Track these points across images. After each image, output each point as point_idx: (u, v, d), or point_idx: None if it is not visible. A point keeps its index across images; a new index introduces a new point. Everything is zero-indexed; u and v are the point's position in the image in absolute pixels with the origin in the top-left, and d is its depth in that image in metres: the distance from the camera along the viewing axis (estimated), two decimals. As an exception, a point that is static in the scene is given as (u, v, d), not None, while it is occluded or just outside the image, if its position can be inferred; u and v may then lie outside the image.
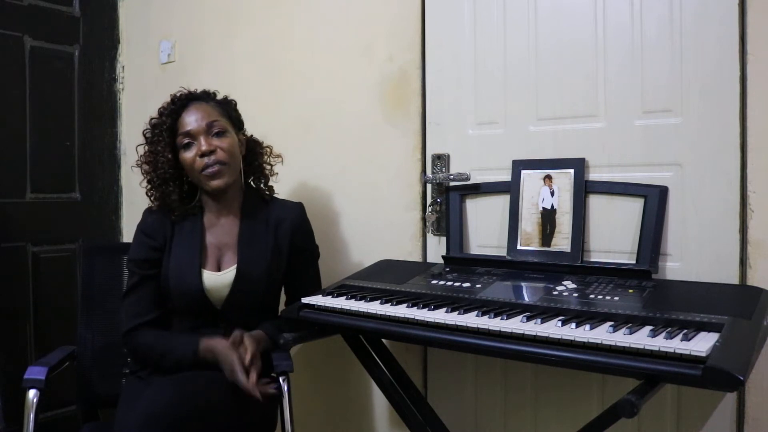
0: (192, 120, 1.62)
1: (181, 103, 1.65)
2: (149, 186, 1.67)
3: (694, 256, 1.50)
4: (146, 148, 1.68)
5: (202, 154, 1.60)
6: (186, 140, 1.62)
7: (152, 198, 1.68)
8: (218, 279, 1.63)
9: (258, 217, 1.71)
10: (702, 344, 1.06)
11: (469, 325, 1.28)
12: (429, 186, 1.89)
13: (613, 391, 1.58)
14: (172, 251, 1.64)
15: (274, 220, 1.71)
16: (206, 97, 1.70)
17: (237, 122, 1.74)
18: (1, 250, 2.34)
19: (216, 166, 1.61)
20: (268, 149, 1.79)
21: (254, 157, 1.76)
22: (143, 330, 1.61)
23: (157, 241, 1.65)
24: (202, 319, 1.63)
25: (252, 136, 1.79)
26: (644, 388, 1.06)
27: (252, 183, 1.77)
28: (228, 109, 1.72)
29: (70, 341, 1.85)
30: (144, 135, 1.69)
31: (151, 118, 1.68)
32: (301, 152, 2.12)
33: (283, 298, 1.79)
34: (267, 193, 1.77)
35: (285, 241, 1.70)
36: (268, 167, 1.78)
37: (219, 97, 1.74)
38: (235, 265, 1.64)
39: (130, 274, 1.67)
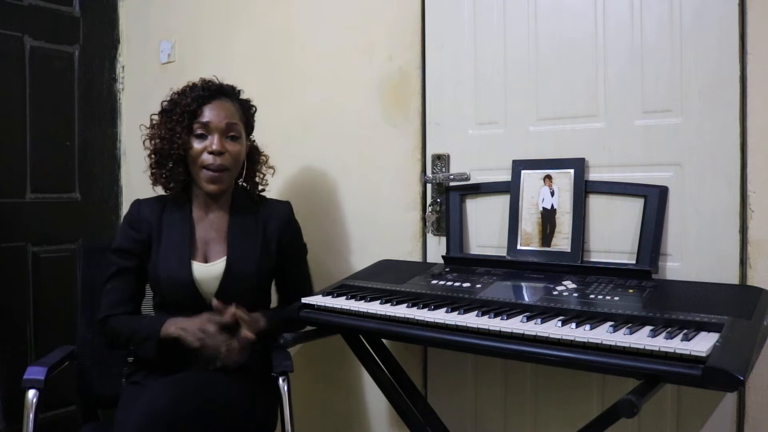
0: (214, 114, 1.63)
1: (210, 92, 1.65)
2: (157, 158, 1.65)
3: (694, 256, 1.50)
4: (162, 120, 1.66)
5: (211, 152, 1.61)
6: (200, 131, 1.62)
7: (157, 174, 1.67)
8: (207, 270, 1.63)
9: (247, 213, 1.71)
10: (702, 344, 1.06)
11: (469, 325, 1.28)
12: (429, 186, 1.89)
13: (613, 391, 1.58)
14: (162, 243, 1.64)
15: (263, 218, 1.72)
16: (233, 95, 1.71)
17: (250, 128, 1.75)
18: (1, 250, 2.34)
19: (218, 171, 1.62)
20: (264, 158, 1.79)
21: (252, 164, 1.76)
22: (116, 316, 1.62)
23: (141, 234, 1.65)
24: (193, 312, 1.62)
25: (254, 142, 1.79)
26: (644, 388, 1.06)
27: (244, 184, 1.76)
28: (247, 114, 1.73)
29: (70, 341, 1.85)
30: (162, 106, 1.68)
31: (174, 93, 1.67)
32: (301, 152, 2.12)
33: (274, 297, 1.79)
34: (256, 193, 1.77)
35: (273, 238, 1.70)
36: (260, 176, 1.78)
37: (243, 96, 1.75)
38: (224, 258, 1.64)
39: (111, 264, 1.66)
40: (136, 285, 1.66)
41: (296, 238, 1.78)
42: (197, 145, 1.62)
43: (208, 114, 1.63)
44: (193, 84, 1.67)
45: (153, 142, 1.66)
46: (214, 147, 1.61)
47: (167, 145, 1.63)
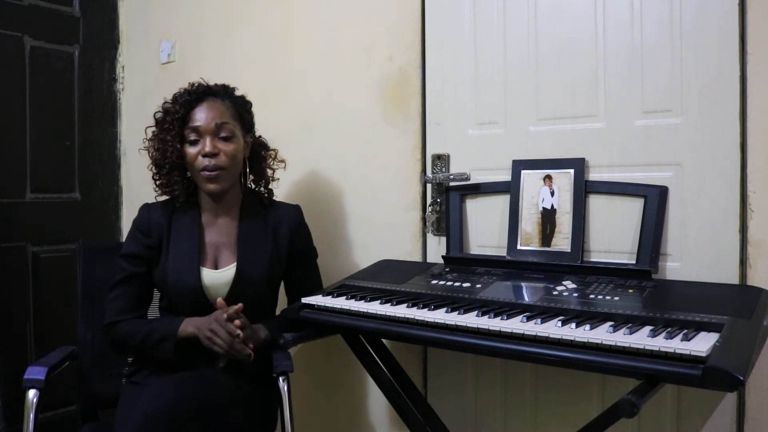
0: (203, 117, 1.62)
1: (197, 95, 1.64)
2: (156, 171, 1.67)
3: (694, 256, 1.50)
4: (156, 132, 1.67)
5: (205, 155, 1.60)
6: (192, 136, 1.62)
7: (158, 184, 1.68)
8: (217, 277, 1.63)
9: (256, 218, 1.70)
10: (702, 344, 1.06)
11: (469, 325, 1.28)
12: (429, 186, 1.89)
13: (613, 391, 1.58)
14: (170, 248, 1.64)
15: (273, 222, 1.71)
16: (223, 93, 1.69)
17: (247, 124, 1.72)
18: (1, 250, 2.34)
19: (215, 171, 1.61)
20: (273, 153, 1.79)
21: (258, 160, 1.75)
22: (125, 321, 1.61)
23: (151, 239, 1.64)
24: (200, 316, 1.62)
25: (260, 138, 1.78)
26: (644, 388, 1.06)
27: (251, 184, 1.77)
28: (242, 110, 1.70)
29: (70, 341, 1.85)
30: (155, 117, 1.68)
31: (165, 102, 1.67)
32: (301, 152, 2.12)
33: (282, 299, 1.79)
34: (266, 196, 1.77)
35: (283, 243, 1.70)
36: (270, 171, 1.77)
37: (237, 93, 1.73)
38: (234, 264, 1.63)
39: (119, 269, 1.65)
40: (144, 291, 1.66)
41: (307, 243, 1.77)
42: (192, 150, 1.62)
43: (197, 117, 1.62)
44: (183, 90, 1.66)
45: (150, 153, 1.67)
46: (207, 149, 1.60)
47: (161, 156, 1.63)
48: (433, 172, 1.86)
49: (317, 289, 1.75)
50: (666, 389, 1.39)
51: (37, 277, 2.44)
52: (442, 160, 1.85)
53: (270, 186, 1.78)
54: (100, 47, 2.68)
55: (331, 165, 2.08)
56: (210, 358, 1.58)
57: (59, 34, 2.53)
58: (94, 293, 1.86)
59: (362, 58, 2.01)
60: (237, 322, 1.48)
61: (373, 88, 1.98)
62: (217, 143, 1.61)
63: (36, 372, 1.60)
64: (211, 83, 1.69)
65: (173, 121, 1.62)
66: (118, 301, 1.62)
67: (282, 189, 2.07)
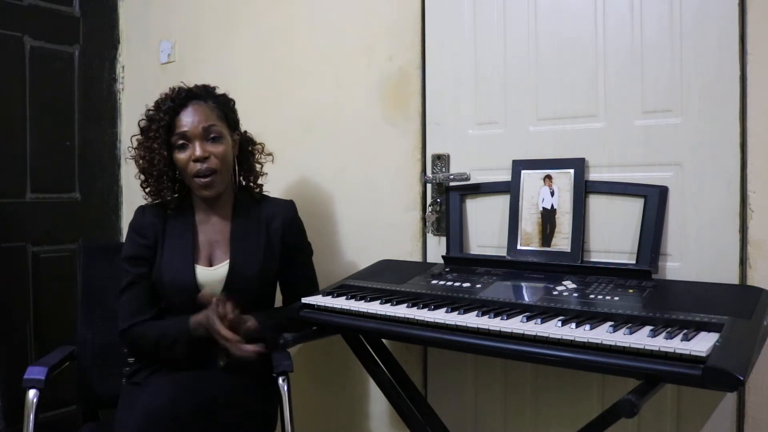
0: (189, 122, 1.61)
1: (180, 101, 1.64)
2: (144, 179, 1.67)
3: (694, 256, 1.50)
4: (141, 140, 1.66)
5: (196, 160, 1.60)
6: (181, 141, 1.62)
7: (147, 191, 1.68)
8: (211, 274, 1.63)
9: (250, 215, 1.71)
10: (702, 344, 1.06)
11: (469, 325, 1.28)
12: (429, 186, 1.89)
13: (613, 391, 1.58)
14: (165, 248, 1.64)
15: (266, 218, 1.71)
16: (206, 95, 1.68)
17: (233, 123, 1.72)
18: (1, 250, 2.34)
19: (208, 175, 1.61)
20: (260, 147, 1.79)
21: (246, 156, 1.75)
22: (140, 324, 1.61)
23: (148, 239, 1.65)
24: None
25: (246, 133, 1.78)
26: (644, 388, 1.06)
27: (242, 180, 1.76)
28: (226, 109, 1.71)
29: (70, 341, 1.86)
30: (139, 126, 1.68)
31: (148, 110, 1.67)
32: (301, 152, 2.12)
33: (278, 297, 1.79)
34: (257, 191, 1.77)
35: (276, 239, 1.70)
36: (259, 166, 1.78)
37: (218, 92, 1.73)
38: (227, 261, 1.64)
39: (124, 273, 1.65)
40: (152, 290, 1.65)
41: (300, 239, 1.77)
42: (182, 155, 1.62)
43: (183, 123, 1.62)
44: (165, 95, 1.65)
45: (137, 162, 1.67)
46: (197, 154, 1.60)
47: (148, 165, 1.63)
48: (433, 172, 1.86)
49: (312, 286, 1.75)
50: (666, 389, 1.39)
51: (37, 277, 2.44)
52: (442, 160, 1.85)
53: (259, 180, 1.78)
54: (100, 47, 2.68)
55: (331, 165, 2.08)
56: (210, 357, 1.58)
57: (59, 34, 2.53)
58: (94, 293, 1.86)
59: (362, 58, 2.01)
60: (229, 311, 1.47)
61: (373, 88, 1.98)
62: (207, 146, 1.61)
63: (36, 372, 1.60)
64: (191, 85, 1.68)
65: (158, 129, 1.62)
66: (128, 305, 1.62)
67: (282, 189, 2.07)
